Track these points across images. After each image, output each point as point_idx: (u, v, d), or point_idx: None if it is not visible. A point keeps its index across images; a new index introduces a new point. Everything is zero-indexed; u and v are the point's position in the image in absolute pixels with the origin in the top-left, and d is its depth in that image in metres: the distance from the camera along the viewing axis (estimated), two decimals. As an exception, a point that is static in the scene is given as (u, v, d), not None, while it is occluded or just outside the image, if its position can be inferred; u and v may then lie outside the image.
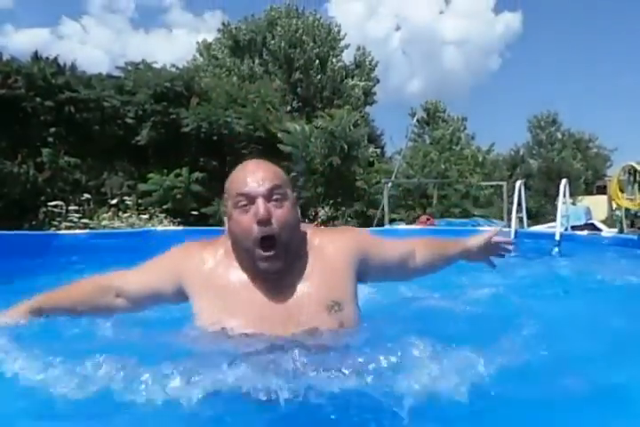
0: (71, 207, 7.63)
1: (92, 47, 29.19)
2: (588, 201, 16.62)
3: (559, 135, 28.27)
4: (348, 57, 22.93)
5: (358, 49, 23.58)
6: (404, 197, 12.57)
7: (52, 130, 11.13)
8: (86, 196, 8.40)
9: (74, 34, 28.81)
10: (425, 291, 2.34)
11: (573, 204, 15.48)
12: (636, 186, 6.40)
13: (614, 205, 7.66)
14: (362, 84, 22.33)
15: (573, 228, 7.98)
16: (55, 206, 7.64)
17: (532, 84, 33.80)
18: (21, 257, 4.37)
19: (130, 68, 12.89)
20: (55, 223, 7.41)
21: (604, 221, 10.66)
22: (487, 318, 1.82)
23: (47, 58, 11.46)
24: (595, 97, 30.24)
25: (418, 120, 22.73)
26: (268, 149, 12.90)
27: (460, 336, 1.38)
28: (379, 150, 17.16)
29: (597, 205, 13.22)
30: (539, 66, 33.55)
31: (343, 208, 12.42)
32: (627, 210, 6.72)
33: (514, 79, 33.17)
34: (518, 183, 6.61)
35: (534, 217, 15.80)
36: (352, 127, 12.68)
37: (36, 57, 11.36)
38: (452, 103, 23.88)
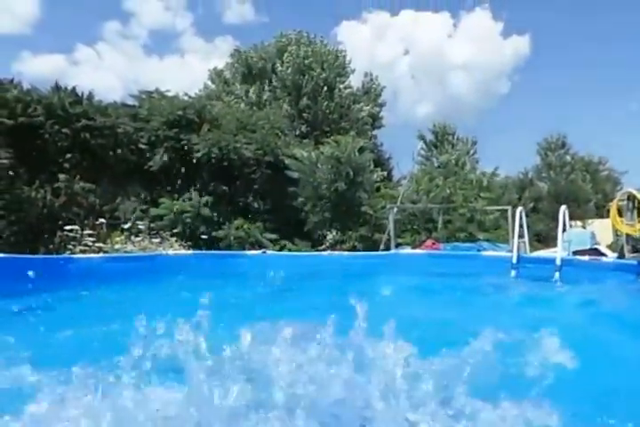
0: (86, 231, 7.88)
1: (106, 72, 30.12)
2: (598, 224, 16.52)
3: (568, 158, 28.23)
4: (355, 82, 23.41)
5: (366, 75, 24.08)
6: (409, 221, 12.70)
7: (68, 156, 11.49)
8: (101, 220, 8.65)
9: (88, 60, 29.79)
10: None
11: (584, 227, 15.46)
12: (635, 212, 6.49)
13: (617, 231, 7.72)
14: (368, 107, 22.69)
15: (576, 253, 8.05)
16: (71, 231, 7.89)
17: (541, 106, 34.01)
18: (38, 280, 4.57)
19: (144, 96, 13.36)
20: (70, 247, 7.64)
21: (610, 246, 10.65)
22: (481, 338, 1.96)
23: (66, 88, 11.93)
24: (605, 119, 30.30)
25: (425, 143, 23.00)
26: (277, 173, 13.18)
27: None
28: (385, 173, 17.33)
29: (607, 229, 13.14)
30: (548, 88, 33.78)
31: (350, 232, 12.57)
32: (628, 235, 6.79)
33: (523, 102, 33.35)
34: (519, 210, 6.76)
35: (544, 240, 15.76)
36: (357, 153, 12.93)
37: (56, 87, 11.83)
38: (462, 127, 23.99)
